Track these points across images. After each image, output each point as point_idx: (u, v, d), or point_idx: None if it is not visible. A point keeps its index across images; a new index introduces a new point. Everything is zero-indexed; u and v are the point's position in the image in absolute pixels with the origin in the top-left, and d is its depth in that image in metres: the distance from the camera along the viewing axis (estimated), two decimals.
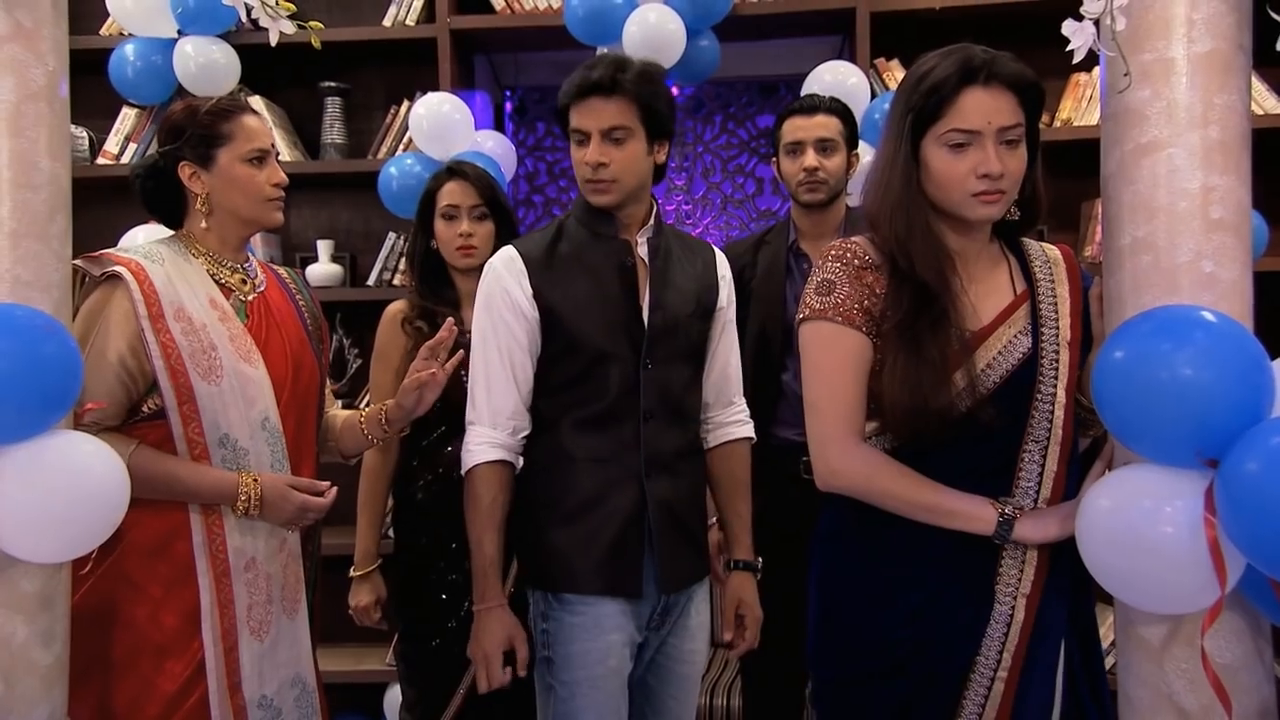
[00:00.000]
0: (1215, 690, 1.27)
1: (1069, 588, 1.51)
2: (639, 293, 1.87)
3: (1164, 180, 1.37)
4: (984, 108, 1.44)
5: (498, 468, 1.83)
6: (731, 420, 2.03)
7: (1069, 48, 1.34)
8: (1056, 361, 1.50)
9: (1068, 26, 1.34)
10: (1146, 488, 1.30)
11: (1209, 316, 1.29)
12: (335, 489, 1.87)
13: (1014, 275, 1.57)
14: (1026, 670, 1.47)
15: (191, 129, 1.82)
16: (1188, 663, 1.34)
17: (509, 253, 1.89)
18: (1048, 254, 1.60)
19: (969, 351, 1.47)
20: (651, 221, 1.91)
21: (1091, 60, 1.37)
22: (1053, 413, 1.48)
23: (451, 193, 2.30)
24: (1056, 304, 1.53)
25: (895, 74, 2.98)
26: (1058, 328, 1.52)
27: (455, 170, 2.35)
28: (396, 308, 2.33)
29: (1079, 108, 2.92)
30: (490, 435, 1.83)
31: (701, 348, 1.96)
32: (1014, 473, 1.48)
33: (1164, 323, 1.30)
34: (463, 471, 1.85)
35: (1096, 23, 1.32)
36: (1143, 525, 1.28)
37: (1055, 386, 1.49)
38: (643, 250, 1.90)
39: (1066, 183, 3.00)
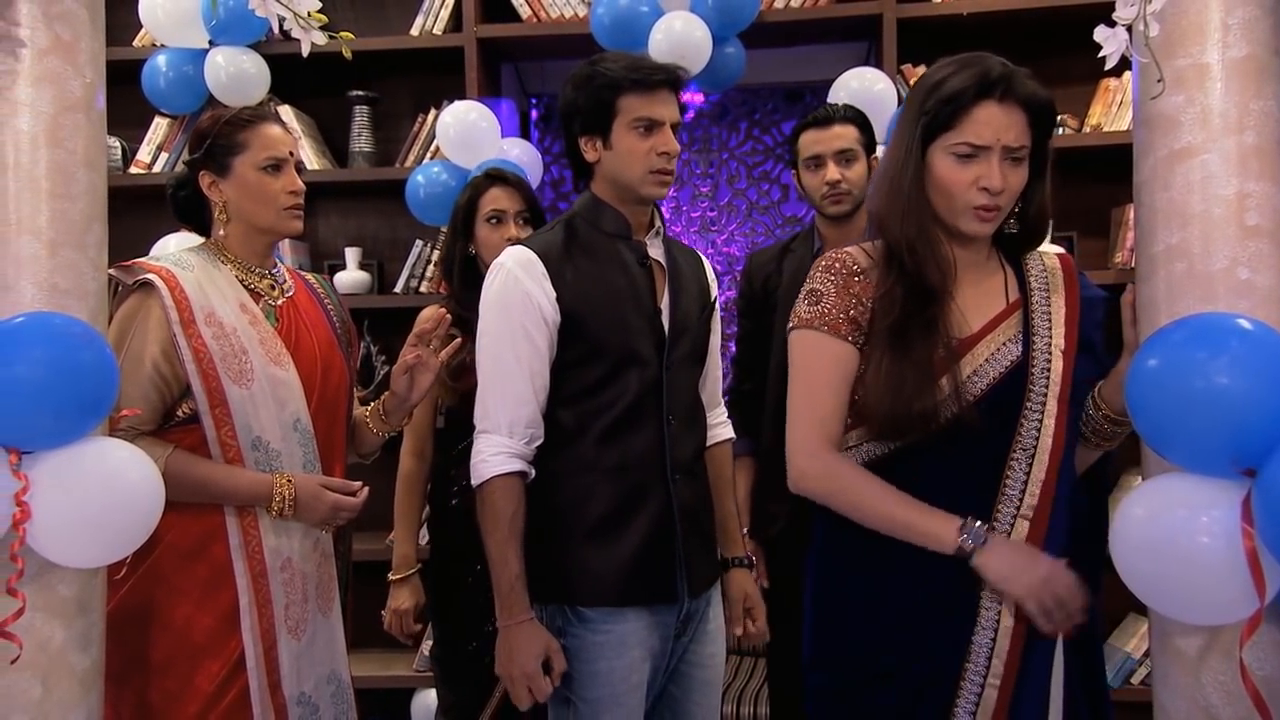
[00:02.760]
0: (1255, 703, 1.25)
1: None
2: (657, 294, 1.86)
3: (1198, 186, 1.36)
4: (996, 124, 1.44)
5: (516, 479, 1.76)
6: (718, 422, 2.05)
7: (1101, 54, 1.34)
8: (1048, 370, 1.49)
9: (1100, 32, 1.33)
10: (1182, 497, 1.29)
11: (1245, 324, 1.27)
12: (367, 489, 1.89)
13: (1009, 285, 1.57)
14: (1021, 678, 1.45)
15: (211, 138, 1.86)
16: (1225, 675, 1.33)
17: (524, 254, 1.79)
18: (1045, 263, 1.59)
19: (955, 358, 1.47)
20: (658, 224, 1.91)
21: (1122, 65, 1.36)
22: (1042, 420, 1.47)
23: (497, 198, 2.32)
24: (1050, 312, 1.53)
25: None
26: (1050, 336, 1.51)
27: (496, 176, 2.36)
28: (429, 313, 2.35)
29: (1109, 113, 2.90)
30: (507, 445, 1.76)
31: (705, 349, 1.96)
32: (1000, 479, 1.47)
33: (1199, 330, 1.29)
34: (475, 483, 1.77)
35: (1129, 28, 1.31)
36: (1179, 535, 1.26)
37: (1045, 395, 1.48)
38: (656, 252, 1.89)
39: (1097, 188, 2.98)
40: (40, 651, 1.41)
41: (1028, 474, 1.46)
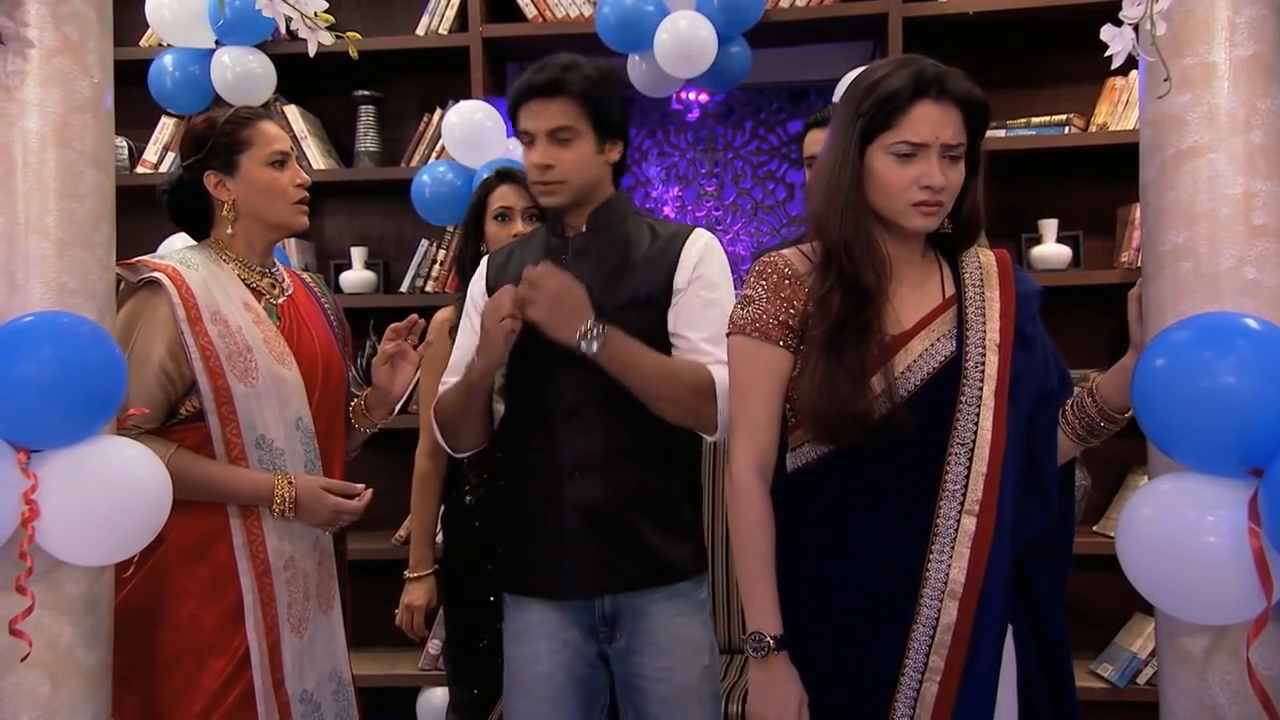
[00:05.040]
0: (1261, 703, 1.25)
1: (1014, 593, 1.51)
2: None
3: (1205, 186, 1.36)
4: (933, 122, 1.46)
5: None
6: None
7: (1107, 53, 1.34)
8: (982, 364, 1.49)
9: (1106, 32, 1.33)
10: (1189, 497, 1.29)
11: (1252, 324, 1.28)
12: (370, 491, 1.89)
13: (945, 282, 1.57)
14: (966, 674, 1.45)
15: (214, 138, 1.86)
16: (1232, 674, 1.33)
17: (484, 257, 2.00)
18: (980, 259, 1.60)
19: (888, 356, 1.48)
20: (591, 216, 1.86)
21: (1128, 64, 1.36)
22: (978, 415, 1.47)
23: (504, 195, 2.34)
24: (984, 306, 1.53)
25: None
26: (984, 330, 1.51)
27: (506, 174, 2.38)
28: (444, 315, 2.36)
29: (1115, 112, 2.89)
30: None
31: (648, 337, 1.79)
32: (940, 477, 1.48)
33: (1206, 330, 1.29)
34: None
35: (1136, 27, 1.31)
36: (1185, 535, 1.26)
37: (981, 389, 1.48)
38: (580, 240, 1.88)
39: (1102, 188, 2.98)
40: (49, 649, 1.42)
41: (968, 469, 1.46)
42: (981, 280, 1.56)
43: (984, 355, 1.49)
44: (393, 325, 1.98)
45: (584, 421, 1.81)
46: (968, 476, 1.46)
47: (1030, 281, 1.60)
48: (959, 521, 1.45)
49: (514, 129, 1.87)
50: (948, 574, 1.45)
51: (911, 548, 1.47)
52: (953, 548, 1.45)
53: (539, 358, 1.80)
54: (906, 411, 1.45)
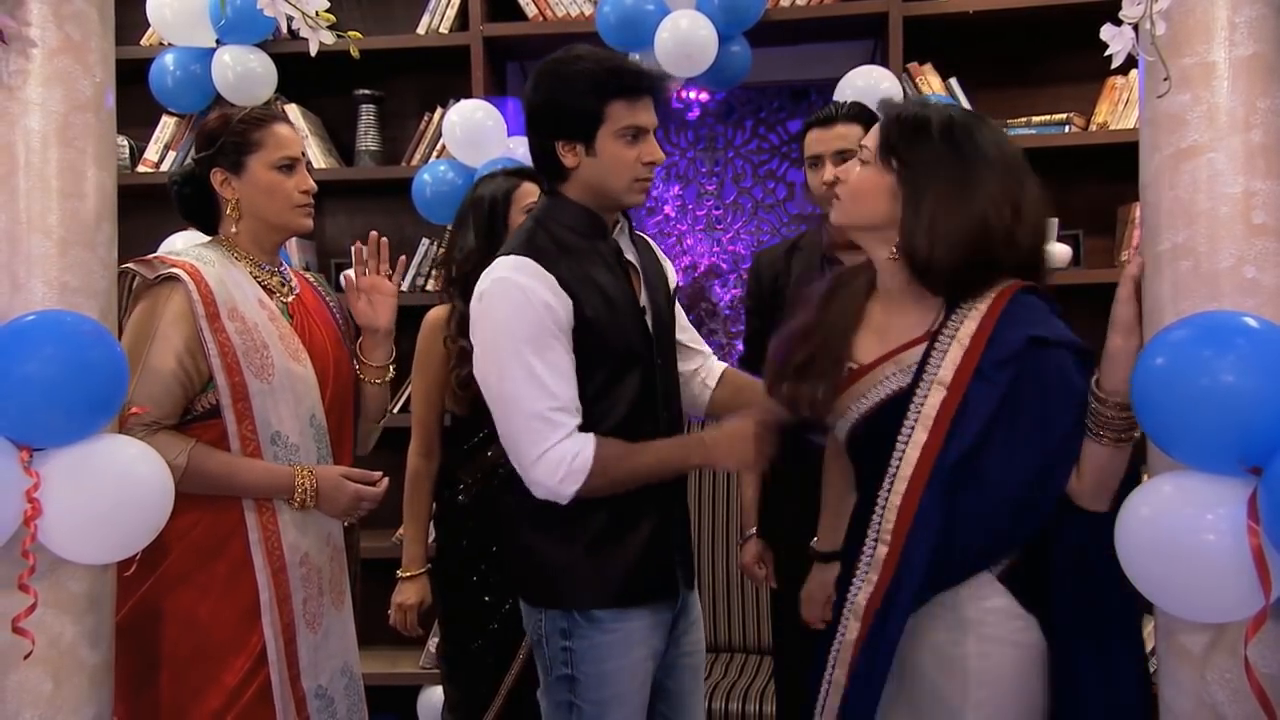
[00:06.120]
0: (1259, 701, 1.26)
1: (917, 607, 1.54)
2: (638, 293, 1.85)
3: (1204, 185, 1.36)
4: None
5: (595, 436, 1.70)
6: (712, 360, 2.06)
7: (1107, 52, 1.34)
8: (924, 402, 1.50)
9: (1106, 31, 1.33)
10: (1188, 495, 1.29)
11: (1251, 322, 1.28)
12: (387, 479, 1.91)
13: (937, 319, 1.54)
14: (851, 683, 1.52)
15: (224, 137, 1.87)
16: (1230, 672, 1.33)
17: (526, 263, 1.70)
18: (991, 295, 1.52)
19: (844, 387, 1.58)
20: (622, 220, 1.87)
21: (1128, 63, 1.36)
22: (905, 450, 1.50)
23: (532, 191, 2.23)
24: (951, 343, 1.50)
25: (928, 78, 2.96)
26: (937, 371, 1.50)
27: (522, 172, 2.30)
28: (438, 316, 2.31)
29: (1115, 111, 2.89)
30: (572, 430, 1.69)
31: (674, 339, 1.95)
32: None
33: (1205, 329, 1.29)
34: (575, 489, 1.67)
35: (1136, 27, 1.32)
36: (1184, 533, 1.27)
37: (915, 425, 1.50)
38: (629, 251, 1.86)
39: (1103, 187, 2.98)
40: (51, 647, 1.42)
41: (887, 499, 1.51)
42: (969, 317, 1.51)
43: (928, 394, 1.50)
44: (355, 261, 2.00)
45: (669, 421, 1.88)
46: (885, 506, 1.51)
47: (1025, 325, 1.48)
48: (875, 549, 1.52)
49: (597, 119, 1.72)
50: (857, 596, 1.53)
51: (850, 576, 1.56)
52: (866, 574, 1.53)
53: (630, 360, 1.79)
54: (852, 445, 1.57)
